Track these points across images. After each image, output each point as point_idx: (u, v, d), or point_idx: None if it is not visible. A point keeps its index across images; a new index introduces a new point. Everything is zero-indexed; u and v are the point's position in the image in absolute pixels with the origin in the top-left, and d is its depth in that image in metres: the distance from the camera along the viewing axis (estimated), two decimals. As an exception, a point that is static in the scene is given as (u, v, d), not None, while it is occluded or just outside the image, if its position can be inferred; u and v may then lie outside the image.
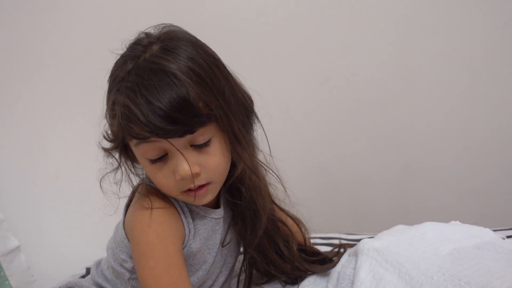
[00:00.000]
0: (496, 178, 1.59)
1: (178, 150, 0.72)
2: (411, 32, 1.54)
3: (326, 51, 1.56)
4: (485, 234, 0.92)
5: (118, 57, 0.78)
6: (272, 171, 0.87)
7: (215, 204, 0.89)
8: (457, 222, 0.99)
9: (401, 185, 1.64)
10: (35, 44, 1.43)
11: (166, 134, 0.70)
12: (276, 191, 0.91)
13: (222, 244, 0.90)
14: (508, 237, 0.93)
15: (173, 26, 0.79)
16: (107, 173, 0.82)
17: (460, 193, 1.60)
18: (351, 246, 0.98)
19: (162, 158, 0.74)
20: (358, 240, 0.96)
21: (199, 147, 0.75)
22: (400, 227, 0.99)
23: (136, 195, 0.83)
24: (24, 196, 1.39)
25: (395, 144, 1.61)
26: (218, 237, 0.89)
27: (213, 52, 0.80)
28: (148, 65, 0.72)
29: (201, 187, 0.77)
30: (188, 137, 0.72)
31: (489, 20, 1.51)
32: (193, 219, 0.83)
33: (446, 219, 1.03)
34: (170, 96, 0.69)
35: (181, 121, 0.70)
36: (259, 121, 0.85)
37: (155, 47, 0.74)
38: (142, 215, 0.78)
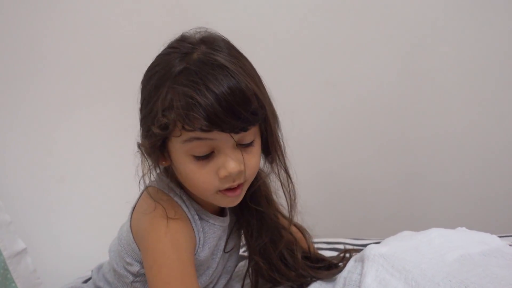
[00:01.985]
0: (502, 184, 1.58)
1: (236, 147, 0.74)
2: (419, 38, 1.54)
3: (333, 56, 1.55)
4: (492, 240, 0.91)
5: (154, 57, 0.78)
6: (291, 180, 0.88)
7: (221, 213, 0.89)
8: (464, 228, 0.99)
9: (407, 190, 1.63)
10: (39, 44, 1.43)
11: (227, 128, 0.71)
12: (280, 199, 0.92)
13: (225, 250, 0.91)
14: (515, 243, 0.92)
15: (209, 29, 0.81)
16: (144, 175, 0.81)
17: (466, 199, 1.60)
18: (356, 251, 0.98)
19: (208, 156, 0.75)
20: (364, 245, 0.96)
21: (244, 147, 0.77)
22: (406, 233, 0.98)
23: (144, 198, 0.83)
24: (31, 198, 1.39)
25: (402, 150, 1.61)
26: (222, 243, 0.90)
27: (245, 56, 0.82)
28: (205, 59, 0.73)
29: (238, 186, 0.78)
30: (241, 134, 0.74)
31: (498, 25, 1.51)
32: (203, 228, 0.84)
33: (451, 225, 1.03)
34: (236, 93, 0.71)
35: (241, 116, 0.71)
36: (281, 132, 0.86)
37: (203, 47, 0.76)
38: (158, 224, 0.78)
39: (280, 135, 0.84)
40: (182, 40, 0.78)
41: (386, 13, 1.53)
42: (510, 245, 0.90)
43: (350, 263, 0.92)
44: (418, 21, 1.53)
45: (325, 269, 0.96)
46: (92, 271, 1.00)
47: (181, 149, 0.75)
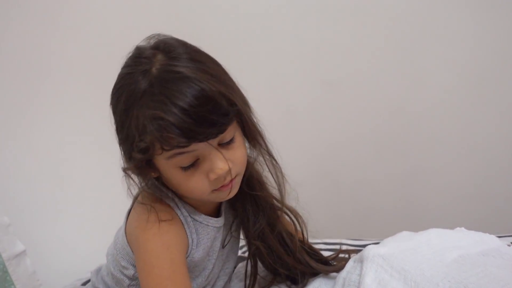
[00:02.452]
0: (501, 183, 1.59)
1: (217, 149, 0.75)
2: (415, 36, 1.55)
3: (330, 56, 1.56)
4: (491, 240, 0.92)
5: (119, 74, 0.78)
6: (276, 161, 0.89)
7: (216, 213, 0.90)
8: (462, 228, 0.99)
9: (405, 190, 1.64)
10: (38, 47, 1.43)
11: (205, 138, 0.72)
12: (271, 187, 0.93)
13: (223, 245, 0.92)
14: (513, 243, 0.92)
15: (162, 35, 0.80)
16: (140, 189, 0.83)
17: (465, 199, 1.60)
18: (353, 251, 0.99)
19: (195, 164, 0.76)
20: (363, 246, 0.96)
21: (227, 144, 0.77)
22: (405, 233, 0.99)
23: (138, 203, 0.83)
24: (29, 201, 1.39)
25: (400, 149, 1.61)
26: (217, 244, 0.90)
27: (205, 52, 0.81)
28: (164, 75, 0.73)
29: (230, 181, 0.79)
30: (218, 138, 0.75)
31: (493, 24, 1.52)
32: (196, 229, 0.84)
33: (450, 225, 1.03)
34: (203, 101, 0.70)
35: (214, 121, 0.72)
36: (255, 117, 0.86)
37: (160, 57, 0.75)
38: (150, 226, 0.79)
39: (255, 120, 0.84)
40: (138, 55, 0.77)
41: (382, 11, 1.53)
42: (508, 245, 0.91)
43: (350, 264, 0.92)
44: (413, 20, 1.53)
45: (320, 262, 0.97)
46: (91, 273, 1.00)
47: (167, 165, 0.76)
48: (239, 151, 0.79)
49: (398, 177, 1.63)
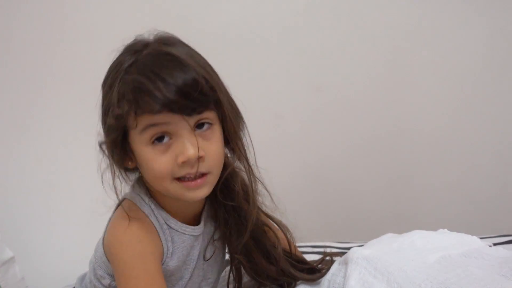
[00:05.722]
0: (487, 186, 1.60)
1: (192, 132, 0.74)
2: (403, 40, 1.56)
3: (318, 59, 1.57)
4: (472, 241, 0.93)
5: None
6: (255, 177, 0.87)
7: (194, 221, 0.89)
8: (445, 230, 1.00)
9: (393, 193, 1.65)
10: (30, 50, 1.44)
11: (178, 109, 0.72)
12: (264, 199, 0.91)
13: (204, 258, 0.90)
14: (494, 244, 0.94)
15: (165, 32, 0.82)
16: (114, 177, 0.81)
17: (451, 201, 1.61)
18: (339, 254, 0.99)
19: (167, 144, 0.75)
20: (349, 249, 0.97)
21: (203, 132, 0.76)
22: (389, 235, 1.00)
23: (117, 211, 0.83)
24: (18, 207, 1.39)
25: (387, 153, 1.62)
26: (195, 252, 0.88)
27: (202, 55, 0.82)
28: (154, 52, 0.75)
29: (200, 176, 0.77)
30: (195, 118, 0.74)
31: (482, 27, 1.54)
32: (171, 237, 0.83)
33: (437, 227, 1.04)
34: (182, 75, 0.72)
35: (192, 97, 0.72)
36: (246, 128, 0.86)
37: (155, 44, 0.77)
38: (121, 232, 0.79)
39: (240, 126, 0.83)
40: (134, 40, 0.80)
41: (371, 16, 1.55)
42: (490, 246, 0.92)
43: (334, 266, 0.93)
44: (401, 25, 1.55)
45: (306, 272, 0.96)
46: (76, 280, 1.00)
47: (140, 142, 0.75)
48: (215, 145, 0.78)
49: (386, 181, 1.64)
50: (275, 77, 1.58)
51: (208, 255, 0.90)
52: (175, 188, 0.77)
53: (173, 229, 0.84)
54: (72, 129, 1.46)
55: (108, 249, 0.81)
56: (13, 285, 1.14)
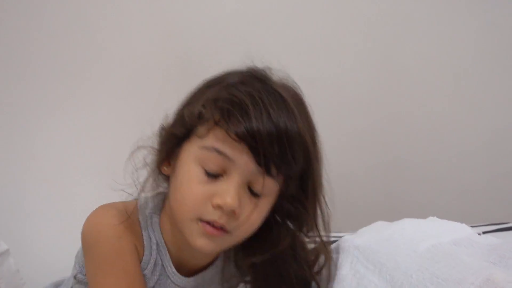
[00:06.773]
0: (479, 175, 1.62)
1: (244, 185, 0.66)
2: (396, 32, 1.56)
3: (311, 53, 1.57)
4: (462, 229, 0.94)
5: None
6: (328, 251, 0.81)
7: (188, 272, 0.80)
8: (435, 218, 1.01)
9: (385, 182, 1.65)
10: (21, 46, 1.42)
11: (255, 150, 0.63)
12: None
13: None
14: (484, 232, 0.95)
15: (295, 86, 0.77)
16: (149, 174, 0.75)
17: (443, 191, 1.63)
18: (330, 243, 0.99)
19: (214, 178, 0.67)
20: (340, 237, 0.98)
21: (252, 195, 0.69)
22: (380, 223, 1.00)
23: (112, 203, 0.78)
24: (12, 200, 1.39)
25: (379, 142, 1.63)
26: None
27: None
28: (268, 87, 0.68)
29: (219, 228, 0.68)
30: (257, 174, 0.66)
31: (473, 22, 1.54)
32: (154, 269, 0.76)
33: (428, 215, 1.05)
34: (286, 119, 0.65)
35: (272, 151, 0.63)
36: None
37: (277, 82, 0.73)
38: (104, 224, 0.72)
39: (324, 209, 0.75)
40: (260, 69, 0.74)
41: (362, 9, 1.55)
42: (479, 234, 0.93)
43: (326, 255, 0.93)
44: (393, 17, 1.55)
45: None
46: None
47: (193, 155, 0.68)
48: (256, 216, 0.69)
49: (378, 171, 1.65)
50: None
51: None
52: (191, 226, 0.69)
53: (162, 265, 0.77)
54: (67, 122, 1.45)
55: (83, 240, 0.75)
56: (8, 277, 1.14)
